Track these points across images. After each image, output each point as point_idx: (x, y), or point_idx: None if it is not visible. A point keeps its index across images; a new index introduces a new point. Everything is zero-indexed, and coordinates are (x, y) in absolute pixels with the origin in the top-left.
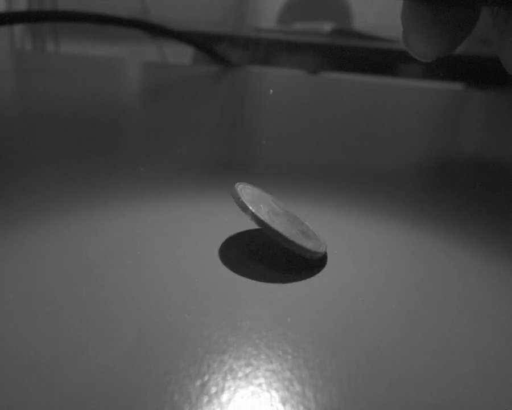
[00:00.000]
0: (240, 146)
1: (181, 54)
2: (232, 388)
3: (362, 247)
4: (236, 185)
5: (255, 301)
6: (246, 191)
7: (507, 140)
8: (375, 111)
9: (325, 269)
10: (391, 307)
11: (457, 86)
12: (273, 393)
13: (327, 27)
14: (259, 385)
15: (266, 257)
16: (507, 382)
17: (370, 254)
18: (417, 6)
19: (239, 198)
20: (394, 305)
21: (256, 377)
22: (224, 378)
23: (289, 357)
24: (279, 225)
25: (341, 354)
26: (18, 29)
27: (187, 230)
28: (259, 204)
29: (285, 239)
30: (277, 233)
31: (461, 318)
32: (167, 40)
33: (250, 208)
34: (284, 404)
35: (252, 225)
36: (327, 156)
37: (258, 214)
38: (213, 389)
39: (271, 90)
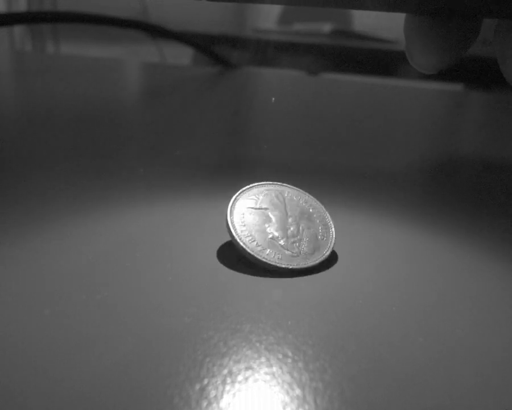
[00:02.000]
0: (239, 146)
1: (180, 55)
2: (231, 392)
3: (363, 249)
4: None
5: (254, 304)
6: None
7: (507, 141)
8: (374, 112)
9: (325, 272)
10: (391, 309)
11: (457, 87)
12: (273, 396)
13: (326, 27)
14: (259, 388)
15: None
16: (508, 384)
17: (370, 256)
18: (419, 20)
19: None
20: (395, 308)
21: (256, 381)
22: (224, 382)
23: (289, 360)
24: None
25: (341, 357)
26: (18, 30)
27: (186, 232)
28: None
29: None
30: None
31: (462, 320)
32: (167, 41)
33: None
34: (284, 408)
35: None
36: (327, 157)
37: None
38: (213, 393)
39: (273, 98)
